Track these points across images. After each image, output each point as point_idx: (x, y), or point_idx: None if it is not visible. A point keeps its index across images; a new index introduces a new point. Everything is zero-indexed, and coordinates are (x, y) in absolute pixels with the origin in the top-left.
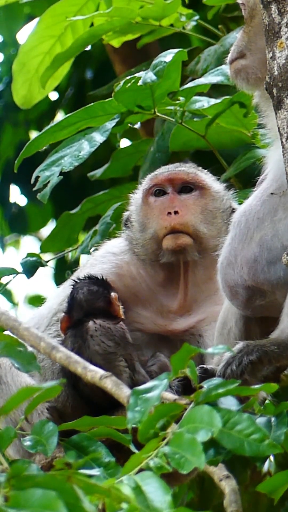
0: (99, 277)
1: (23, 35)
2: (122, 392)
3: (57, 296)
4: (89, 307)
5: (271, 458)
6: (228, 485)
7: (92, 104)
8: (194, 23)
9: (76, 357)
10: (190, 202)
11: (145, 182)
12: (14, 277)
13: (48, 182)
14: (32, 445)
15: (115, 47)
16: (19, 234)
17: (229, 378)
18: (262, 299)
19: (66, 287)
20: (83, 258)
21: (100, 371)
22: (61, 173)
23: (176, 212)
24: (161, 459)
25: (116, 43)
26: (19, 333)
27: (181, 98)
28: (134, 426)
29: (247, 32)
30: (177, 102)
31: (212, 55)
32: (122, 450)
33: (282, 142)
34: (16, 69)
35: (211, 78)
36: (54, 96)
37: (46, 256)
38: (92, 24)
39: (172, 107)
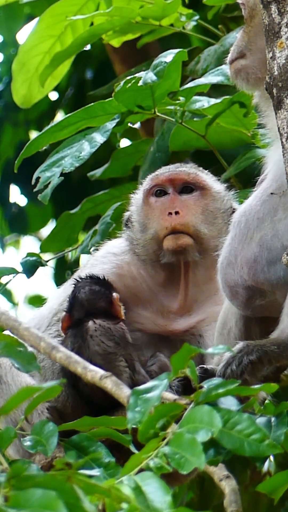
0: (101, 277)
1: (23, 35)
2: (122, 392)
3: (57, 296)
4: (90, 306)
5: (271, 458)
6: (228, 485)
7: (92, 104)
8: (194, 23)
9: (76, 357)
10: (191, 203)
11: (146, 182)
12: (14, 276)
13: (49, 183)
14: (32, 445)
15: (115, 47)
16: (19, 234)
17: (229, 378)
18: (262, 299)
19: (67, 287)
20: (83, 258)
21: (100, 371)
22: (61, 174)
23: (176, 213)
24: (161, 459)
25: (116, 42)
26: (19, 333)
27: (181, 98)
28: (134, 426)
29: (247, 32)
30: (177, 102)
31: (212, 55)
32: (122, 450)
33: (282, 142)
34: (16, 68)
35: (211, 78)
36: (54, 96)
37: (46, 256)
38: (92, 24)
39: (172, 107)
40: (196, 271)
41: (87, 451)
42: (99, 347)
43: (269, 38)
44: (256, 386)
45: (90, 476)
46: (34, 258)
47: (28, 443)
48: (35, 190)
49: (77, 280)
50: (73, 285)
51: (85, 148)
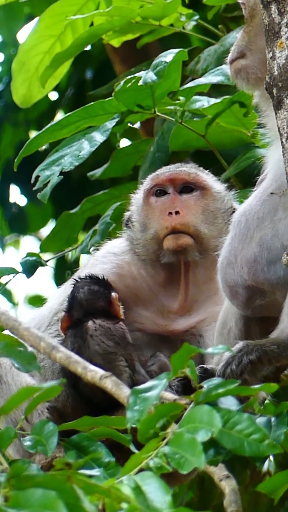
0: (100, 277)
1: (23, 34)
2: (122, 392)
3: (58, 296)
4: (89, 306)
5: (271, 458)
6: (228, 485)
7: (92, 103)
8: (194, 23)
9: (76, 357)
10: (191, 203)
11: (146, 182)
12: (14, 276)
13: (48, 181)
14: (32, 445)
15: (115, 47)
16: (19, 234)
17: (229, 378)
18: (262, 299)
19: (67, 287)
20: (83, 258)
21: (100, 371)
22: (61, 173)
23: (177, 213)
24: (161, 459)
25: (116, 42)
26: (19, 333)
27: (181, 98)
28: (133, 425)
29: (247, 32)
30: (177, 102)
31: (212, 55)
32: (122, 450)
33: (282, 142)
34: (16, 68)
35: (211, 78)
36: (54, 96)
37: (46, 256)
38: (92, 24)
39: (172, 107)
40: (196, 271)
41: (87, 451)
42: (99, 347)
43: (269, 38)
44: (256, 386)
45: (90, 476)
46: (34, 258)
47: (28, 443)
48: (34, 188)
49: (76, 280)
50: (72, 285)
51: (85, 147)
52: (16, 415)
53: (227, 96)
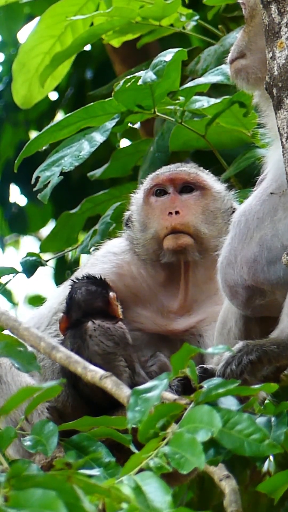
0: (97, 277)
1: (23, 35)
2: (122, 392)
3: (57, 295)
4: (87, 307)
5: (271, 458)
6: (228, 485)
7: (92, 103)
8: (194, 23)
9: (76, 357)
10: (191, 202)
11: (146, 182)
12: (14, 276)
13: (49, 182)
14: (32, 445)
15: (115, 47)
16: (19, 234)
17: (228, 378)
18: (262, 299)
19: (66, 287)
20: (83, 258)
21: (100, 371)
22: (61, 173)
23: (177, 212)
24: (161, 459)
25: (116, 43)
26: (19, 333)
27: (181, 97)
28: (134, 426)
29: (247, 32)
30: (177, 101)
31: (212, 55)
32: (122, 450)
33: (282, 142)
34: (16, 69)
35: (211, 77)
36: (54, 96)
37: (46, 256)
38: (92, 24)
39: (172, 107)
40: (196, 271)
41: (87, 451)
42: (98, 347)
43: (269, 38)
44: (256, 386)
45: (90, 476)
46: (34, 258)
47: (28, 443)
48: (34, 189)
49: (74, 281)
50: (70, 286)
51: (85, 148)
52: (16, 415)
53: (227, 96)
